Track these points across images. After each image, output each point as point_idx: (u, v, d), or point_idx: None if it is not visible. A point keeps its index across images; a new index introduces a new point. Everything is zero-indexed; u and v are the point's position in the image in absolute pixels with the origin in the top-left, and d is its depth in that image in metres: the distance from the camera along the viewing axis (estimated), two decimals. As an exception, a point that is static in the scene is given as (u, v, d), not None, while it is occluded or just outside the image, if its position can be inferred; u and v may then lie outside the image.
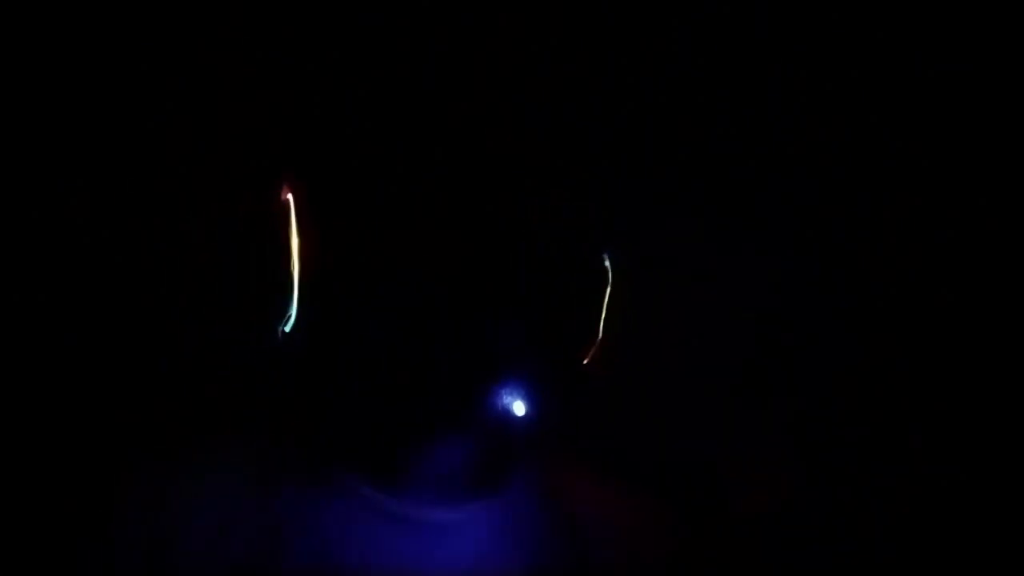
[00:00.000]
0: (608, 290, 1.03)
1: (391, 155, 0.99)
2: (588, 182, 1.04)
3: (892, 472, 1.48)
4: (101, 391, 1.36)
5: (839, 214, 1.51)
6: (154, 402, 1.34)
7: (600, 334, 1.03)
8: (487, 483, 1.03)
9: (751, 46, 1.49)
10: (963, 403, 1.47)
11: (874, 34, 1.49)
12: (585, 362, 1.04)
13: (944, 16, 1.47)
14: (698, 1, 1.48)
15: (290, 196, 1.01)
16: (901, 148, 1.51)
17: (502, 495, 1.04)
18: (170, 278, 1.39)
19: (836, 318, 1.50)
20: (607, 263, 1.04)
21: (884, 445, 1.49)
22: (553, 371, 1.00)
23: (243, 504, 0.98)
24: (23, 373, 1.35)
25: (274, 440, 1.02)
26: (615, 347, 1.03)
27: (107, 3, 1.38)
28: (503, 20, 1.37)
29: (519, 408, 0.96)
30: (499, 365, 0.96)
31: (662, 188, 1.44)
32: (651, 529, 1.12)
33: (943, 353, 1.49)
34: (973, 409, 1.47)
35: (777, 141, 1.48)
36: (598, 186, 1.05)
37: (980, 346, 1.49)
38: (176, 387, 1.35)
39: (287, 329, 0.98)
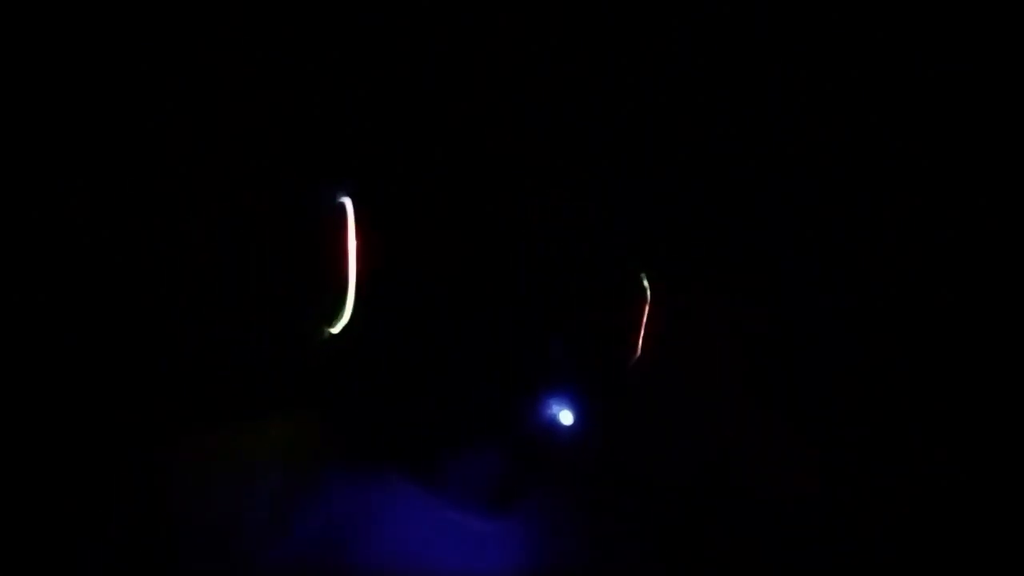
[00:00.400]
0: (647, 308, 1.10)
1: (451, 168, 1.01)
2: (623, 205, 1.08)
3: (892, 472, 1.47)
4: (123, 389, 1.35)
5: (839, 214, 1.51)
6: (204, 400, 1.33)
7: (639, 350, 1.06)
8: (526, 491, 1.07)
9: (751, 46, 1.48)
10: (963, 403, 1.47)
11: (874, 34, 1.48)
12: (624, 376, 1.07)
13: (944, 16, 1.46)
14: (698, 1, 1.48)
15: (348, 201, 1.02)
16: (901, 148, 1.51)
17: (540, 503, 1.08)
18: (208, 271, 1.38)
19: (836, 318, 1.49)
20: (645, 282, 1.10)
21: (884, 445, 1.49)
22: (596, 384, 1.03)
23: (291, 501, 1.00)
24: (36, 372, 1.34)
25: (324, 437, 1.04)
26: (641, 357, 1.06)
27: (107, 3, 1.38)
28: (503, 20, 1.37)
29: (566, 418, 1.00)
30: (547, 376, 1.02)
31: (662, 188, 1.44)
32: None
33: (943, 353, 1.48)
34: (973, 409, 1.47)
35: (777, 141, 1.48)
36: (630, 206, 1.08)
37: (980, 346, 1.49)
38: (226, 385, 1.34)
39: (335, 331, 1.00)
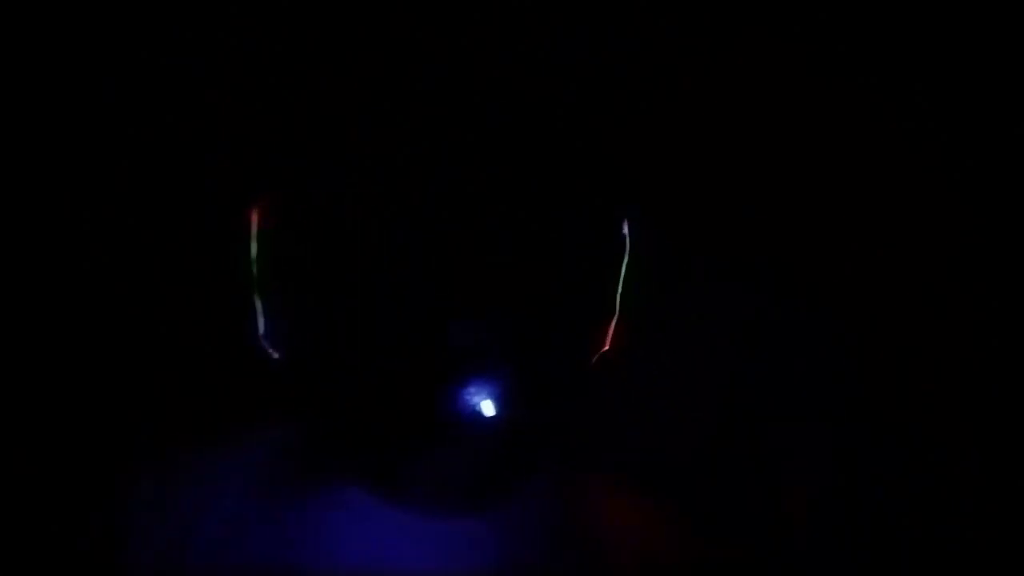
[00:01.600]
0: (626, 263, 0.90)
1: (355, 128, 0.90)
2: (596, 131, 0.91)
3: (900, 472, 1.42)
4: (103, 394, 1.32)
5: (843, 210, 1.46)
6: (158, 406, 1.30)
7: (617, 314, 0.90)
8: (488, 488, 0.96)
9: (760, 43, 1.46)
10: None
11: (872, 35, 1.47)
12: (602, 351, 0.91)
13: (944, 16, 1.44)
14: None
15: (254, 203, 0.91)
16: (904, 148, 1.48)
17: (507, 501, 0.97)
18: (170, 279, 1.36)
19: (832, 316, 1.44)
20: (626, 231, 0.91)
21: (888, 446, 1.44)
22: (555, 365, 0.89)
23: (245, 508, 0.96)
24: (26, 376, 1.32)
25: (274, 444, 1.01)
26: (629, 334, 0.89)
27: (108, 3, 1.36)
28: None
29: (487, 408, 0.87)
30: (472, 361, 0.86)
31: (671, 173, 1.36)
32: (664, 534, 1.06)
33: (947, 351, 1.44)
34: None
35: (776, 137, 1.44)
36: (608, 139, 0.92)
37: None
38: (179, 391, 1.31)
39: (262, 335, 0.92)
